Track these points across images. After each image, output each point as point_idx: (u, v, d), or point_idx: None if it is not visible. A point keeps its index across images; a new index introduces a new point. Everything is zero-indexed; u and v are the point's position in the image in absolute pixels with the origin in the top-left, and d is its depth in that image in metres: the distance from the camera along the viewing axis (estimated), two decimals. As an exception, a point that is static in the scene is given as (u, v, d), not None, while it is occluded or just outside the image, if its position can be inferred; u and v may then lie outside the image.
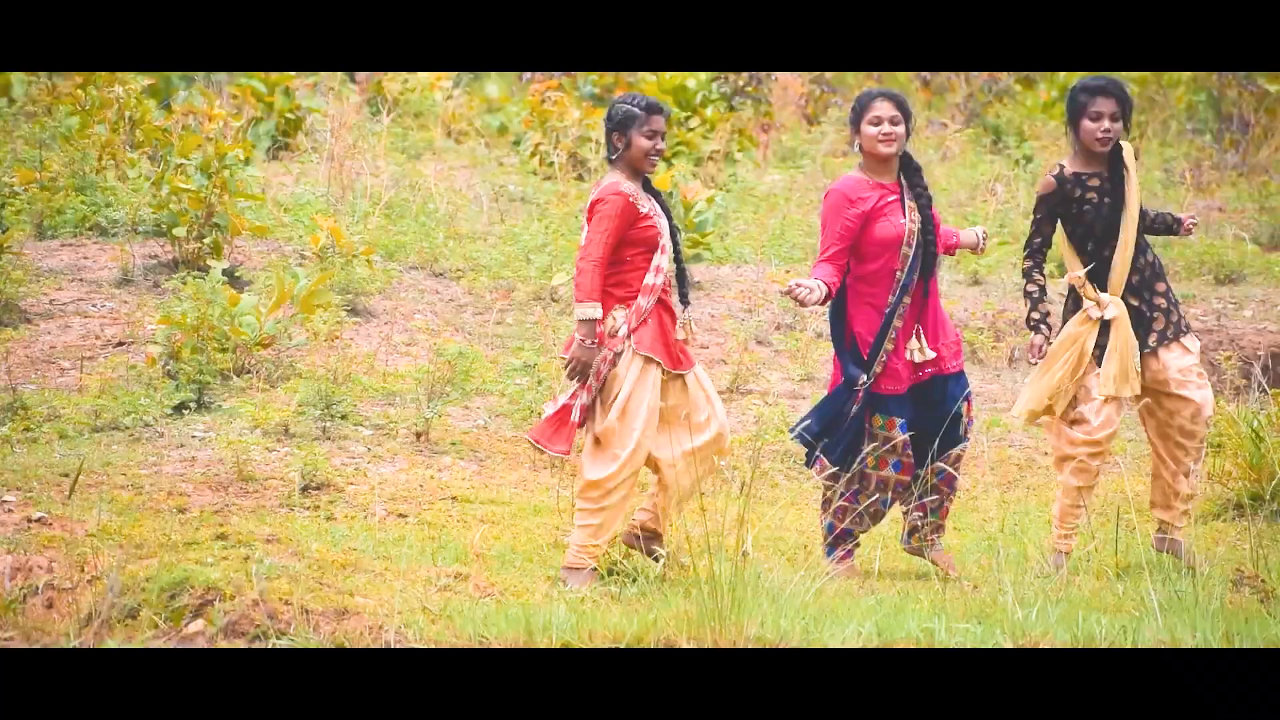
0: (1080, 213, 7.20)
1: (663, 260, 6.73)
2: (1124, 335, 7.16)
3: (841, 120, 14.56)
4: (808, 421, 7.14)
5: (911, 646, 5.91)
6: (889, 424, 7.04)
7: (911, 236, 7.04)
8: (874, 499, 7.08)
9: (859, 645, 5.86)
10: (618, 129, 6.73)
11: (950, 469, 7.06)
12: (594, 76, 15.22)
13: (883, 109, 7.06)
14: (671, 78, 13.90)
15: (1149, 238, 7.41)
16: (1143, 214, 7.29)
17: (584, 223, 6.77)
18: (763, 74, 14.03)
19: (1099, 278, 7.20)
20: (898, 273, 7.04)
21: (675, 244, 6.86)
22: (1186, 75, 15.89)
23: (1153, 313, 7.23)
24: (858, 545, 7.18)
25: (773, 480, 8.75)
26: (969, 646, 5.85)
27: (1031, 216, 7.30)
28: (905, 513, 7.16)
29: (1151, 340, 7.21)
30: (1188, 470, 7.23)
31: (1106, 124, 7.10)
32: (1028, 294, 7.31)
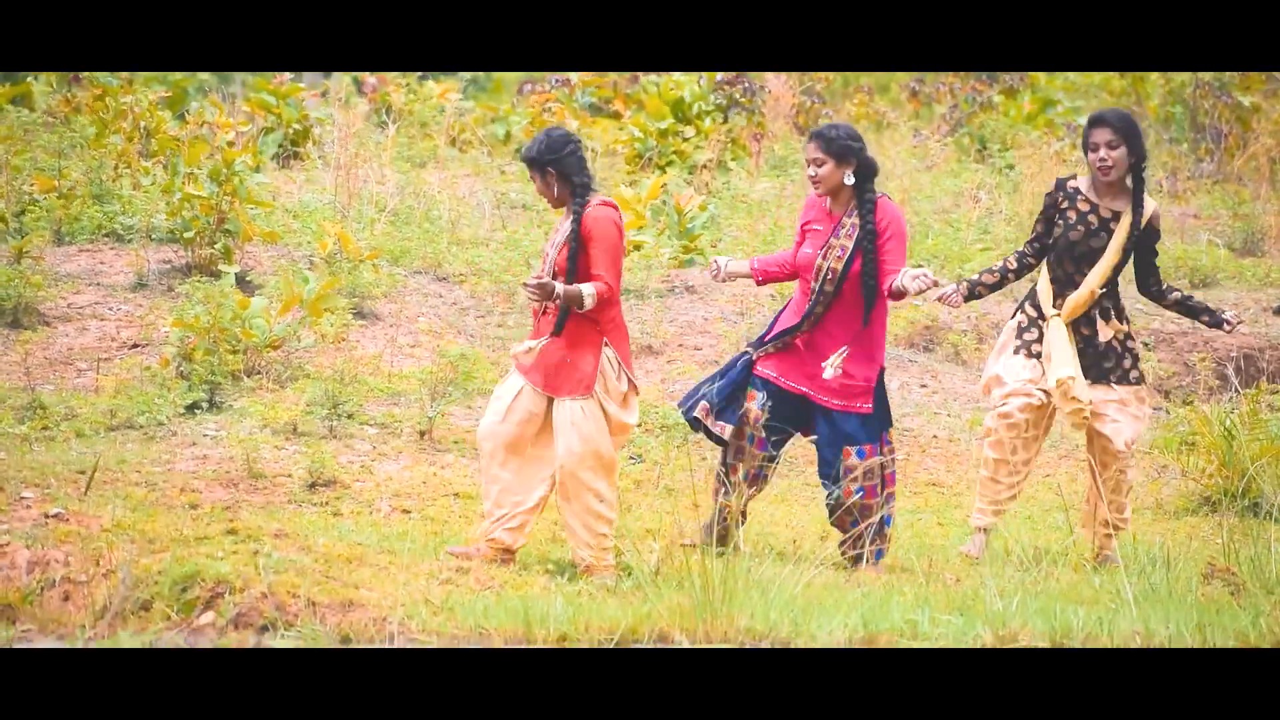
0: (1059, 223, 7.43)
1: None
2: (1061, 342, 7.43)
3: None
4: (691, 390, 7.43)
5: (896, 637, 6.01)
6: (750, 395, 7.27)
7: (819, 272, 7.20)
8: (742, 467, 7.28)
9: (845, 636, 5.97)
10: None
11: (850, 513, 7.23)
12: (592, 88, 15.31)
13: (808, 151, 7.23)
14: (669, 91, 13.96)
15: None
16: (1147, 274, 7.52)
17: None
18: (756, 87, 14.10)
19: (1060, 292, 7.47)
20: (807, 296, 7.25)
21: (569, 278, 6.93)
22: (1163, 88, 15.96)
23: (1107, 350, 7.47)
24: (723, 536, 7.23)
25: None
26: (952, 637, 5.97)
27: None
28: (841, 549, 7.31)
29: (1093, 373, 7.45)
30: (1110, 500, 7.46)
31: (1103, 153, 7.33)
32: (993, 267, 7.59)
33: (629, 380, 6.95)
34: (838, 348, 7.21)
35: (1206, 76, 15.24)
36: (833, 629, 6.02)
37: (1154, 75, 16.02)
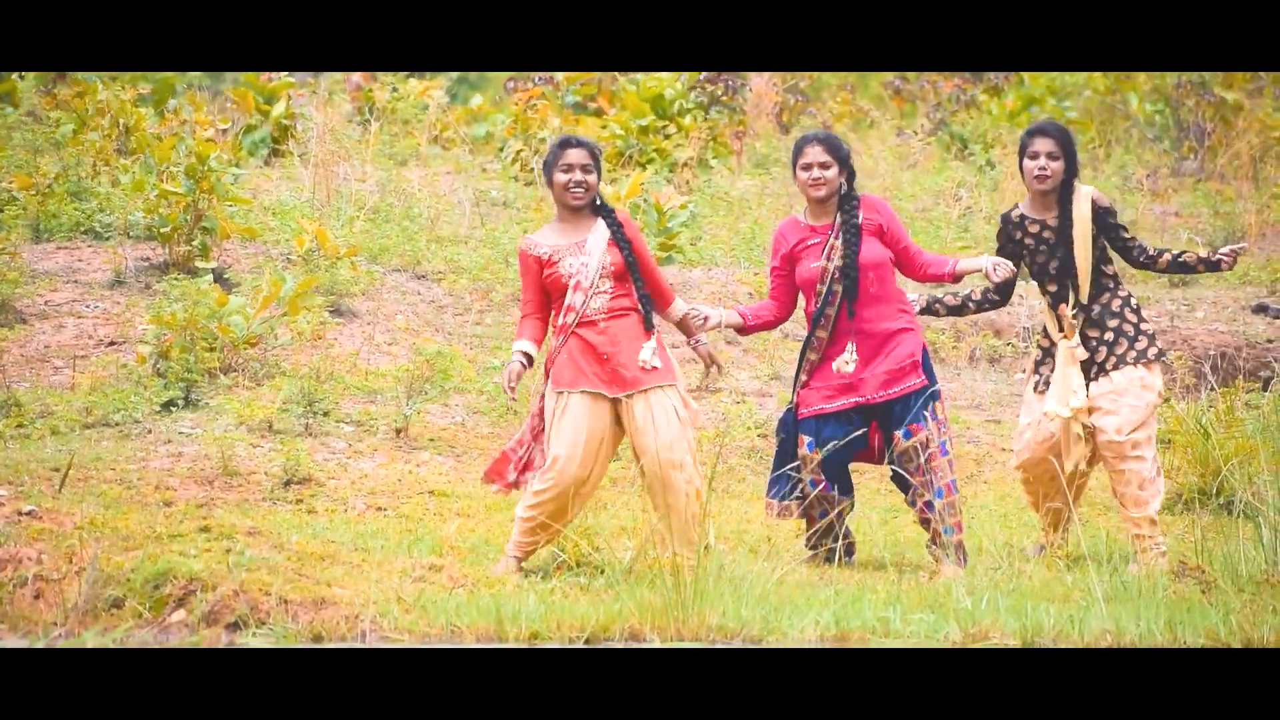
0: (1025, 254, 7.46)
1: (575, 298, 6.87)
2: (1061, 366, 7.39)
3: (814, 127, 14.67)
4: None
5: (868, 635, 6.03)
6: (800, 441, 7.22)
7: (825, 275, 7.19)
8: (820, 513, 7.26)
9: (817, 633, 5.99)
10: (545, 174, 7.03)
11: (922, 497, 7.12)
12: (576, 85, 15.33)
13: (813, 154, 7.22)
14: (650, 88, 13.98)
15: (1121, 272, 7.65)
16: (1128, 249, 7.45)
17: None
18: (738, 84, 14.12)
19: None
20: (818, 298, 7.22)
21: (634, 272, 6.96)
22: (1146, 85, 16.00)
23: (1099, 346, 7.44)
24: (850, 548, 7.35)
25: (740, 475, 8.89)
26: (923, 635, 5.99)
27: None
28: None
29: (1093, 371, 7.43)
30: (1122, 496, 7.37)
31: (1043, 161, 7.32)
32: (957, 292, 7.69)
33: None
34: (887, 341, 7.18)
35: (1190, 74, 15.27)
36: (804, 627, 6.04)
37: (1139, 74, 16.05)
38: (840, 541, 7.28)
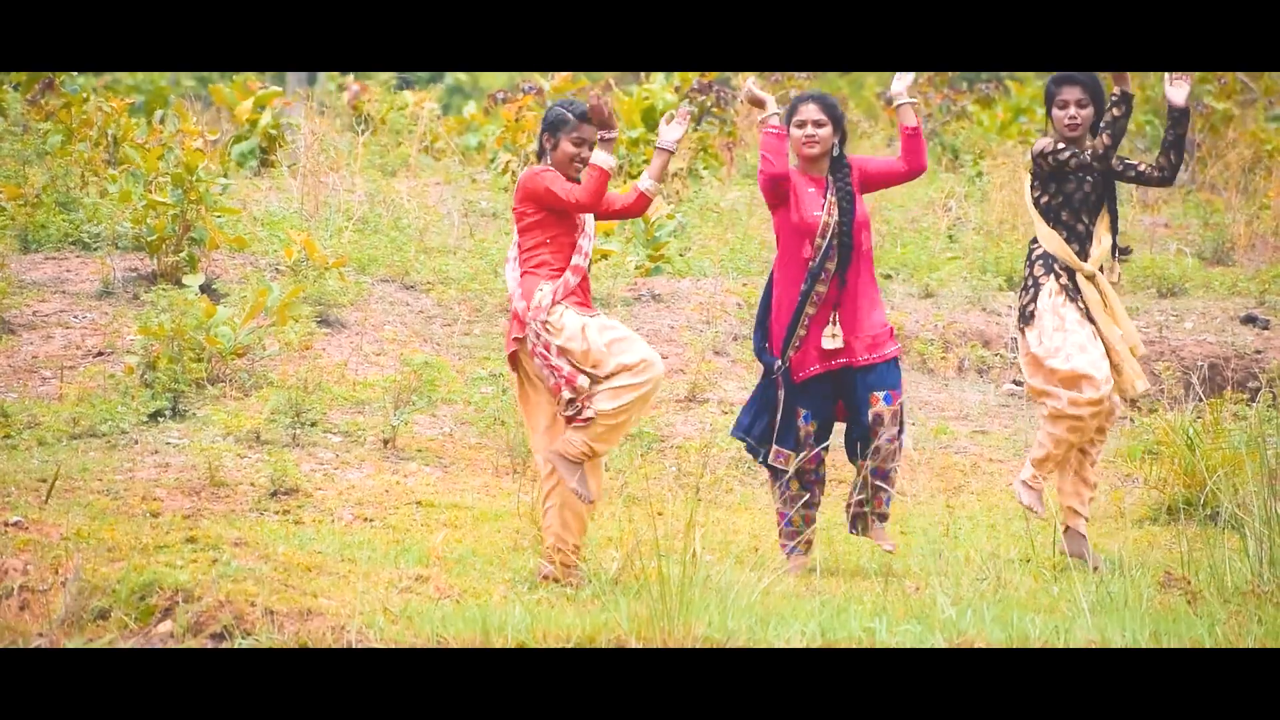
0: (1073, 180, 7.45)
1: (586, 244, 6.93)
2: (1111, 297, 7.45)
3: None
4: (741, 419, 7.45)
5: (854, 646, 6.06)
6: (797, 413, 7.31)
7: (826, 229, 7.27)
8: (803, 486, 7.35)
9: (803, 643, 5.97)
10: (549, 130, 6.91)
11: (880, 463, 7.23)
12: (567, 95, 15.36)
13: (808, 111, 7.32)
14: (641, 99, 14.01)
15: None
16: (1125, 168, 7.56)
17: (514, 220, 7.02)
18: (728, 95, 14.14)
19: (1081, 248, 7.46)
20: (810, 261, 7.27)
21: None
22: (1137, 95, 16.01)
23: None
24: (809, 544, 7.38)
25: (727, 485, 8.89)
26: (909, 646, 6.00)
27: (1032, 174, 7.51)
28: (847, 505, 7.40)
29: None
30: (1094, 460, 7.49)
31: (1072, 111, 7.39)
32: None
33: None
34: (866, 304, 7.29)
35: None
36: (790, 637, 6.02)
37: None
38: (809, 529, 7.40)
